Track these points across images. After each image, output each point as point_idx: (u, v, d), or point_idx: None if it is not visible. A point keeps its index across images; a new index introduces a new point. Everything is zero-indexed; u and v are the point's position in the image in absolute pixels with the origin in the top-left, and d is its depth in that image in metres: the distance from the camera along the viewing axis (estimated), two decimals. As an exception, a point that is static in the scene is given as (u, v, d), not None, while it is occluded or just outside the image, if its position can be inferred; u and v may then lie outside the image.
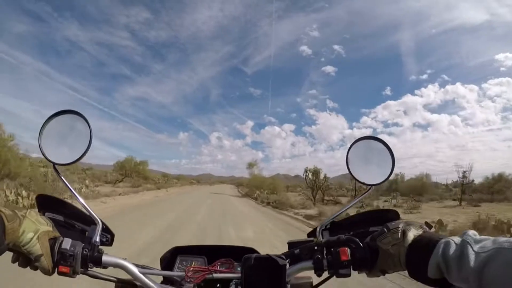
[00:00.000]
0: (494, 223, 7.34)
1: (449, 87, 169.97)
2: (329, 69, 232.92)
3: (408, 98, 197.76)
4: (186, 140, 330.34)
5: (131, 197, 15.61)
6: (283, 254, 0.61)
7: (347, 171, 0.66)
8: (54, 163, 0.61)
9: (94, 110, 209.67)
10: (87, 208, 0.62)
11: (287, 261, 0.57)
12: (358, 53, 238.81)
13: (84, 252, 0.56)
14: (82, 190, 12.87)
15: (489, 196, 18.04)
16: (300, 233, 6.66)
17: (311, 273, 0.61)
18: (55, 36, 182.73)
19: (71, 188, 0.64)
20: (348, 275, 0.54)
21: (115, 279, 0.66)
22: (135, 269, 0.59)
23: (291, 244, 0.66)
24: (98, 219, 0.62)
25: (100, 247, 0.60)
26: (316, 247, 0.58)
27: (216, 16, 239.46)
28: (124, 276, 0.64)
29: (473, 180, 19.61)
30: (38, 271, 0.54)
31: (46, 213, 0.64)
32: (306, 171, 19.62)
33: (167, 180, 47.25)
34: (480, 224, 7.43)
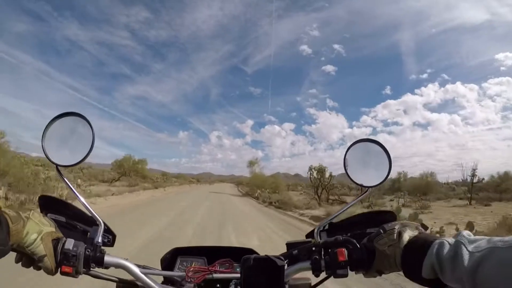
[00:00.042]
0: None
1: (449, 86, 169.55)
2: (329, 68, 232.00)
3: (408, 97, 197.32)
4: (186, 139, 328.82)
5: (125, 197, 14.59)
6: (281, 254, 0.62)
7: (345, 164, 0.67)
8: (57, 165, 0.62)
9: (94, 109, 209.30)
10: (89, 209, 0.63)
11: (285, 261, 0.58)
12: (358, 53, 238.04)
13: (87, 253, 0.57)
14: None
15: (497, 195, 17.61)
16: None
17: (309, 274, 0.61)
18: (55, 35, 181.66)
19: (73, 189, 0.64)
20: (346, 275, 0.55)
21: (116, 279, 0.66)
22: (136, 269, 0.60)
23: (290, 245, 0.66)
24: (100, 220, 0.62)
25: (102, 247, 0.60)
26: (314, 248, 0.59)
27: (216, 15, 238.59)
28: (125, 276, 0.64)
29: (483, 179, 19.11)
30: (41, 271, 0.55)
31: (49, 214, 0.65)
32: (310, 169, 18.87)
33: (166, 179, 46.91)
34: (506, 225, 6.83)
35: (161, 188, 25.58)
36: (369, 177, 0.67)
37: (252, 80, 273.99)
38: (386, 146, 0.67)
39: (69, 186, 0.64)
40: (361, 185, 0.67)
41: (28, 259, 0.54)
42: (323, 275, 0.58)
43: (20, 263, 0.55)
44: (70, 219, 0.66)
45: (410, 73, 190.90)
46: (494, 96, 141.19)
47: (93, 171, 26.91)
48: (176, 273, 0.70)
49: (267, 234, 6.96)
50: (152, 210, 10.48)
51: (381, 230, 0.54)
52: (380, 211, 0.71)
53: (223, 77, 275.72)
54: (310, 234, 0.71)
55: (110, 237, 0.66)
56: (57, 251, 0.54)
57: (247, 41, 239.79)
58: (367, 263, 0.54)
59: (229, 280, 0.66)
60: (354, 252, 0.54)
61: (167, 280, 0.70)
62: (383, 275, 0.56)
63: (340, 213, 0.72)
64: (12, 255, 0.53)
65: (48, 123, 0.63)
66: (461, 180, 24.26)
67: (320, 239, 0.67)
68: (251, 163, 39.02)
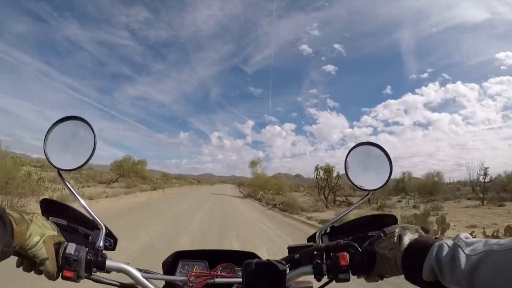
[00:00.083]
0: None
1: (449, 86, 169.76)
2: (330, 68, 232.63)
3: (408, 97, 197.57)
4: (187, 139, 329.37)
5: (119, 200, 13.61)
6: (283, 259, 0.62)
7: (346, 167, 0.67)
8: (58, 169, 0.62)
9: (95, 110, 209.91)
10: (90, 213, 0.62)
11: (287, 266, 0.58)
12: (359, 52, 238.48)
13: (88, 257, 0.56)
14: (63, 191, 11.36)
15: (509, 194, 16.74)
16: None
17: (311, 278, 0.61)
18: (55, 35, 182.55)
19: (75, 193, 0.65)
20: (347, 279, 0.55)
21: (118, 283, 0.66)
22: (138, 274, 0.60)
23: (291, 249, 0.66)
24: (102, 224, 0.62)
25: (104, 251, 0.60)
26: (315, 252, 0.59)
27: (216, 15, 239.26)
28: (127, 280, 0.64)
29: (495, 178, 18.34)
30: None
31: (50, 217, 0.64)
32: (317, 168, 17.83)
33: (166, 180, 46.51)
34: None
35: (160, 189, 24.69)
36: (370, 180, 0.68)
37: (253, 80, 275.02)
38: (387, 149, 0.67)
39: (71, 190, 0.65)
40: (362, 189, 0.67)
41: (30, 263, 0.54)
42: (325, 279, 0.58)
43: (22, 267, 0.55)
44: (71, 222, 0.65)
45: (410, 72, 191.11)
46: (495, 96, 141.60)
47: (92, 172, 26.17)
48: (177, 277, 0.70)
49: (277, 244, 5.90)
50: (145, 214, 9.48)
51: (382, 234, 0.54)
52: (381, 214, 0.70)
53: (223, 77, 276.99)
54: (311, 238, 0.71)
55: (112, 241, 0.65)
56: (59, 255, 0.54)
57: (247, 41, 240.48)
58: (368, 267, 0.53)
59: (231, 285, 0.66)
60: (356, 256, 0.54)
61: (168, 285, 0.70)
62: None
63: (342, 216, 0.71)
64: (11, 259, 0.53)
65: (50, 127, 0.62)
66: (467, 180, 24.02)
67: (322, 243, 0.66)
68: (253, 163, 37.78)
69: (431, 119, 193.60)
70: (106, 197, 13.21)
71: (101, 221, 0.62)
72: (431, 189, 21.30)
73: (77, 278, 0.55)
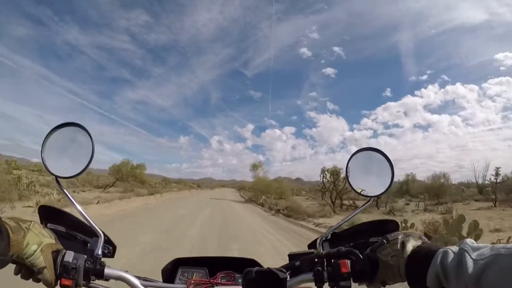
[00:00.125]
0: None
1: (449, 88, 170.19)
2: (329, 71, 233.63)
3: (408, 99, 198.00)
4: (187, 144, 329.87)
5: (112, 206, 12.50)
6: (283, 266, 0.61)
7: (348, 173, 0.67)
8: (56, 176, 0.61)
9: (95, 114, 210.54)
10: (88, 221, 0.62)
11: (287, 273, 0.57)
12: (358, 55, 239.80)
13: (87, 265, 0.56)
14: (52, 196, 10.66)
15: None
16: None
17: (312, 285, 0.60)
18: (56, 40, 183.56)
19: (73, 200, 0.63)
20: (349, 287, 0.54)
21: None
22: (136, 282, 0.60)
23: (292, 256, 0.65)
24: (100, 232, 0.62)
25: (102, 259, 0.59)
26: (316, 259, 0.58)
27: (216, 18, 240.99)
28: None
29: (508, 179, 17.31)
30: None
31: (48, 224, 0.64)
32: (323, 171, 16.79)
33: (165, 184, 45.94)
34: None
35: (158, 194, 23.77)
36: (372, 186, 0.67)
37: (252, 83, 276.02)
38: (387, 152, 0.66)
39: (69, 198, 0.64)
40: (364, 195, 0.67)
41: (28, 270, 0.54)
42: (326, 286, 0.57)
43: (20, 275, 0.55)
44: (70, 229, 0.65)
45: (410, 74, 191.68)
46: (494, 96, 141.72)
47: (89, 176, 25.36)
48: (177, 285, 0.70)
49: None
50: (137, 221, 8.59)
51: (384, 241, 0.53)
52: (382, 220, 0.69)
53: (223, 81, 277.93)
54: (312, 245, 0.70)
55: (111, 248, 0.65)
56: (57, 263, 0.54)
57: (247, 45, 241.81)
58: (370, 274, 0.53)
59: None
60: (357, 263, 0.54)
61: None
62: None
63: (343, 223, 0.70)
64: (10, 267, 0.52)
65: (47, 134, 0.62)
66: (469, 181, 23.60)
67: (323, 249, 0.66)
68: (255, 167, 36.81)
69: (431, 121, 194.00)
70: (97, 203, 12.16)
71: (99, 228, 0.62)
72: (437, 191, 20.65)
73: (75, 286, 0.54)
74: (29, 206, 8.72)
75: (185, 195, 32.17)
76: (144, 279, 0.63)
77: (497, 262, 0.36)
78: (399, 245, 0.50)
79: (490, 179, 16.85)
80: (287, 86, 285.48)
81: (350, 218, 0.71)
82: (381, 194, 0.66)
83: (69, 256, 0.54)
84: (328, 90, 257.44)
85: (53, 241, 0.55)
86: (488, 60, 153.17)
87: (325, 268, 0.56)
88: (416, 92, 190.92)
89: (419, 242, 0.50)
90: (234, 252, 5.54)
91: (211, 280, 0.66)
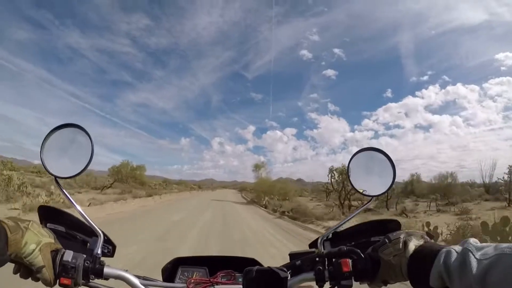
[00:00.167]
0: None
1: (449, 88, 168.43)
2: (330, 72, 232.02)
3: (409, 100, 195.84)
4: (188, 145, 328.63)
5: (105, 208, 11.47)
6: (284, 265, 0.61)
7: (349, 173, 0.67)
8: (56, 176, 0.61)
9: (96, 117, 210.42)
10: (88, 220, 0.62)
11: (288, 272, 0.57)
12: (359, 56, 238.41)
13: (86, 264, 0.56)
14: (40, 198, 9.74)
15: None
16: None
17: (313, 285, 0.60)
18: (57, 43, 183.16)
19: (72, 200, 0.63)
20: (350, 286, 0.54)
21: None
22: (136, 281, 0.60)
23: (293, 256, 0.65)
24: (100, 231, 0.62)
25: (102, 258, 0.60)
26: (317, 258, 0.58)
27: (216, 21, 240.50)
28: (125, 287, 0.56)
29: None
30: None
31: (48, 224, 0.64)
32: (331, 171, 16.13)
33: (166, 185, 45.40)
34: None
35: (157, 195, 22.74)
36: (373, 186, 0.68)
37: (253, 85, 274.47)
38: (389, 153, 0.66)
39: (68, 198, 0.63)
40: (365, 194, 0.67)
41: (26, 270, 0.54)
42: (327, 285, 0.57)
43: (18, 274, 0.55)
44: (69, 229, 0.65)
45: (410, 75, 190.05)
46: (495, 96, 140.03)
47: (87, 177, 24.74)
48: (177, 284, 0.70)
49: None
50: (127, 227, 7.58)
51: (386, 240, 0.53)
52: (384, 219, 0.69)
53: (224, 83, 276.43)
54: (313, 244, 0.70)
55: (110, 248, 0.65)
56: (56, 263, 0.54)
57: (248, 47, 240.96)
58: (372, 273, 0.53)
59: None
60: (359, 263, 0.53)
61: None
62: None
63: (345, 222, 0.70)
64: (9, 266, 0.52)
65: (47, 135, 0.62)
66: (472, 181, 23.68)
67: (324, 249, 0.66)
68: (257, 167, 35.99)
69: (432, 121, 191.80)
70: (89, 205, 11.25)
71: (99, 228, 0.62)
72: (444, 190, 20.23)
73: (74, 286, 0.54)
74: (15, 209, 8.27)
75: (185, 196, 31.42)
76: (144, 278, 0.63)
77: (501, 262, 0.36)
78: (401, 244, 0.50)
79: (503, 177, 16.27)
80: (288, 88, 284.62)
81: (351, 218, 0.71)
82: (383, 193, 0.68)
83: (68, 255, 0.55)
84: (329, 92, 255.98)
85: (52, 241, 0.55)
86: (488, 60, 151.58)
87: (326, 267, 0.56)
88: (417, 93, 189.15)
89: (421, 242, 0.50)
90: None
91: (211, 279, 0.66)
